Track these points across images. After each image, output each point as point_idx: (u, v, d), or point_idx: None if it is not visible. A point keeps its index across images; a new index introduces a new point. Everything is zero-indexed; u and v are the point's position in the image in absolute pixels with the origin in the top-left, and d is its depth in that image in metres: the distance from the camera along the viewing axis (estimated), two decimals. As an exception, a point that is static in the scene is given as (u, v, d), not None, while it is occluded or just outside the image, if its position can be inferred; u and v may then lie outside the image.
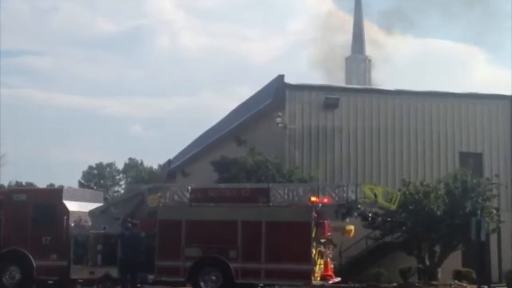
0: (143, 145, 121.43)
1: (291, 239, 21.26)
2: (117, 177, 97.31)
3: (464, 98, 35.69)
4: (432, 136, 34.92)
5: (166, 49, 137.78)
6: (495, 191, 30.25)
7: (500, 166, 34.84)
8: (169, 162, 58.76)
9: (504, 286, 30.83)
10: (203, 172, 39.04)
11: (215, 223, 21.97)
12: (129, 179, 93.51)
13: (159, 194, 22.96)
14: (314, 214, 21.58)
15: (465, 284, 29.15)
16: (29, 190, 33.16)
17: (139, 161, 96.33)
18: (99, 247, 22.83)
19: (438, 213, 28.00)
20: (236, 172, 29.96)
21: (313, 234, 21.44)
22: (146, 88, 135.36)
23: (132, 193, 25.11)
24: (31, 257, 22.81)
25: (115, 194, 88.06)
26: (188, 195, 22.77)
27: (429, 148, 34.80)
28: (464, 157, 34.10)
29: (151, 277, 22.17)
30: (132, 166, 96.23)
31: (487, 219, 27.75)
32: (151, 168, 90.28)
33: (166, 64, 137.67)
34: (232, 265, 21.59)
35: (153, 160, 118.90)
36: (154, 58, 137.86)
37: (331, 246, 22.95)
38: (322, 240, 22.13)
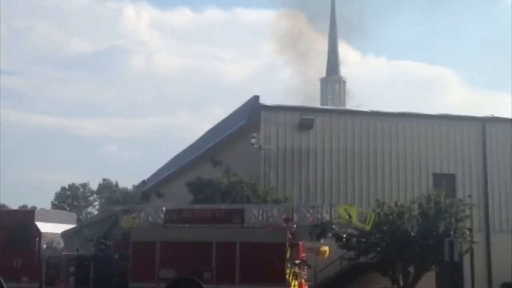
0: (118, 165, 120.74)
1: (266, 260, 21.18)
2: (91, 198, 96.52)
3: (437, 119, 36.07)
4: (406, 157, 35.18)
5: (141, 70, 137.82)
6: (468, 212, 30.47)
7: (472, 187, 35.19)
8: (144, 183, 58.48)
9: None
10: (178, 193, 38.92)
11: (189, 244, 21.83)
12: (103, 200, 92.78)
13: (133, 215, 22.78)
14: (288, 235, 21.55)
15: (439, 305, 29.33)
16: (1, 211, 32.74)
17: (114, 182, 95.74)
18: (72, 269, 22.50)
19: (412, 233, 28.14)
20: (211, 193, 29.90)
21: (288, 255, 21.37)
22: (121, 108, 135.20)
23: (106, 214, 24.90)
24: (1, 279, 22.44)
25: (89, 215, 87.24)
26: (162, 216, 22.63)
27: (403, 169, 35.04)
28: (438, 178, 34.37)
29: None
30: (106, 187, 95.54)
31: (460, 239, 27.96)
32: (125, 189, 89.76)
33: (142, 84, 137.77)
34: (206, 287, 21.45)
35: (128, 181, 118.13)
36: (129, 78, 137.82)
37: (306, 267, 22.88)
38: (297, 261, 22.06)
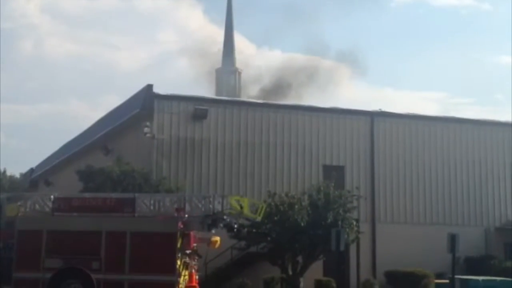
0: (5, 153, 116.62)
1: (156, 250, 21.09)
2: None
3: (329, 112, 36.87)
4: (297, 149, 35.80)
5: (30, 54, 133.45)
6: (355, 203, 31.42)
7: (360, 178, 36.25)
8: (32, 170, 56.76)
9: (362, 295, 32.11)
10: (68, 182, 38.04)
11: (78, 233, 21.43)
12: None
13: (18, 203, 22.12)
14: (180, 225, 21.53)
15: (325, 293, 30.15)
16: None
17: (2, 170, 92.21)
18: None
19: (302, 224, 28.70)
20: (102, 181, 29.40)
21: (179, 245, 21.36)
22: (8, 93, 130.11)
23: (-11, 201, 24.01)
24: None
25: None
26: (50, 204, 22.09)
27: (294, 161, 35.66)
28: (328, 170, 35.17)
29: (8, 289, 21.28)
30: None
31: (347, 229, 28.78)
32: (12, 176, 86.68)
33: (31, 69, 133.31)
34: (95, 276, 21.10)
35: (16, 169, 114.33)
36: (17, 63, 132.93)
37: (197, 257, 22.94)
38: (188, 251, 22.06)
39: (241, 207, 22.65)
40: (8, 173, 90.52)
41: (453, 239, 25.16)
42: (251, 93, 59.94)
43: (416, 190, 37.58)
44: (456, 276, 26.78)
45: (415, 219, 37.27)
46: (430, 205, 37.68)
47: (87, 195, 24.27)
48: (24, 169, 67.14)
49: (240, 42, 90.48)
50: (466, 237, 30.28)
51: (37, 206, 22.12)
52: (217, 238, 23.32)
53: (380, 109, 37.96)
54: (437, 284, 29.99)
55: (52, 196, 22.41)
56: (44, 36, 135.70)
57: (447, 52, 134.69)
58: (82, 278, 21.17)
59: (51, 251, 21.31)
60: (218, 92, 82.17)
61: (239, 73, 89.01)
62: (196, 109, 33.98)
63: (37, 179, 54.20)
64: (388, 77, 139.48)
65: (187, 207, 22.17)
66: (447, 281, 28.44)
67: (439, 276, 31.14)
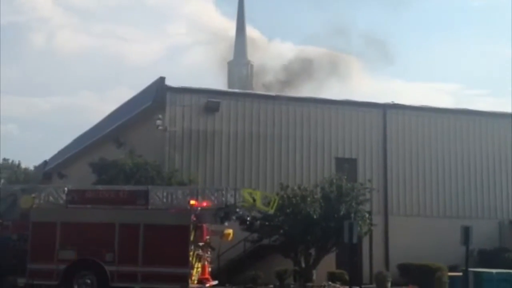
0: (19, 146, 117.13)
1: (169, 242, 21.22)
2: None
3: (341, 105, 36.76)
4: (310, 141, 35.74)
5: (42, 47, 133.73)
6: (368, 196, 31.34)
7: (373, 171, 36.14)
8: (45, 163, 56.92)
9: (374, 286, 32.04)
10: (81, 174, 38.07)
11: (91, 225, 21.58)
12: (2, 181, 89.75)
13: (33, 195, 22.27)
14: (192, 218, 21.62)
15: (338, 285, 30.13)
16: None
17: (17, 162, 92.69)
18: (-34, 249, 21.81)
19: (314, 216, 28.70)
20: (115, 174, 29.51)
21: (192, 238, 21.46)
22: (21, 86, 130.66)
23: (5, 193, 24.17)
24: None
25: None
26: (64, 196, 22.25)
27: (307, 153, 35.60)
28: (340, 162, 35.09)
29: (22, 280, 21.41)
30: (7, 167, 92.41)
31: (360, 222, 28.72)
32: (27, 169, 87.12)
33: (43, 62, 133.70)
34: (108, 268, 21.25)
35: (31, 161, 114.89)
36: (30, 56, 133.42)
37: (209, 250, 23.04)
38: (200, 244, 22.18)
39: (254, 200, 22.72)
40: (23, 165, 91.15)
41: (466, 232, 25.04)
42: (262, 86, 59.85)
43: (429, 183, 37.42)
44: (470, 269, 26.67)
45: (428, 211, 37.14)
46: (443, 197, 37.52)
47: (100, 187, 24.38)
48: (38, 161, 67.38)
49: (252, 34, 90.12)
50: (480, 230, 30.13)
51: (51, 198, 22.27)
52: (230, 231, 23.41)
53: (392, 102, 37.81)
54: (451, 277, 29.87)
55: (66, 188, 22.57)
56: (56, 29, 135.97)
57: (461, 44, 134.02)
58: (95, 269, 21.35)
59: (65, 243, 21.48)
60: (230, 84, 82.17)
61: (251, 66, 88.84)
62: (208, 101, 33.99)
63: (50, 171, 54.31)
64: (400, 69, 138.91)
65: (200, 200, 22.24)
66: (460, 273, 28.31)
67: (452, 269, 31.01)
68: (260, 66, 69.44)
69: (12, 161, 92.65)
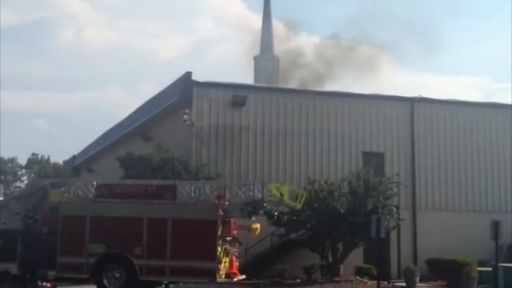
0: (48, 140, 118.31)
1: (197, 236, 21.28)
2: (19, 173, 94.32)
3: (368, 99, 36.56)
4: (336, 136, 35.62)
5: (70, 43, 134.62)
6: (395, 190, 31.16)
7: (400, 165, 35.93)
8: (74, 158, 57.50)
9: (402, 281, 31.85)
10: (109, 169, 38.42)
11: (120, 219, 21.73)
12: (32, 175, 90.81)
13: (62, 189, 22.50)
14: (220, 212, 21.66)
15: (365, 280, 30.00)
16: None
17: (46, 157, 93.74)
18: (-2, 242, 22.11)
19: (342, 211, 28.64)
20: (142, 168, 29.67)
21: (219, 232, 21.51)
22: (49, 82, 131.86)
23: (35, 187, 24.52)
24: None
25: (17, 190, 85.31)
26: (93, 190, 22.44)
27: (333, 148, 35.49)
28: (367, 156, 34.97)
29: (52, 273, 21.66)
30: (36, 162, 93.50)
31: (387, 216, 28.58)
32: (56, 164, 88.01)
33: (70, 58, 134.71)
34: (136, 262, 21.39)
35: (60, 156, 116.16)
36: (57, 51, 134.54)
37: (237, 244, 23.09)
38: (228, 238, 22.23)
39: (281, 195, 22.74)
40: (52, 160, 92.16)
41: (496, 226, 24.80)
42: (291, 80, 59.62)
43: (458, 177, 37.12)
44: (500, 264, 26.42)
45: (457, 206, 36.85)
46: (472, 192, 37.21)
47: (128, 182, 24.54)
48: (67, 156, 68.03)
49: (278, 28, 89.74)
50: (510, 225, 29.81)
51: (80, 192, 22.47)
52: (257, 225, 23.43)
53: (420, 95, 37.54)
54: (480, 272, 29.61)
55: (94, 183, 22.76)
56: (84, 25, 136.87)
57: (489, 37, 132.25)
58: (124, 263, 21.49)
59: (94, 236, 21.66)
60: (256, 79, 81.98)
61: (277, 60, 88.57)
62: (235, 96, 34.00)
63: (79, 166, 54.88)
64: (427, 62, 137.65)
65: (227, 194, 22.32)
66: (490, 269, 28.07)
67: (482, 264, 30.74)
68: (290, 60, 69.08)
69: (42, 156, 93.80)
